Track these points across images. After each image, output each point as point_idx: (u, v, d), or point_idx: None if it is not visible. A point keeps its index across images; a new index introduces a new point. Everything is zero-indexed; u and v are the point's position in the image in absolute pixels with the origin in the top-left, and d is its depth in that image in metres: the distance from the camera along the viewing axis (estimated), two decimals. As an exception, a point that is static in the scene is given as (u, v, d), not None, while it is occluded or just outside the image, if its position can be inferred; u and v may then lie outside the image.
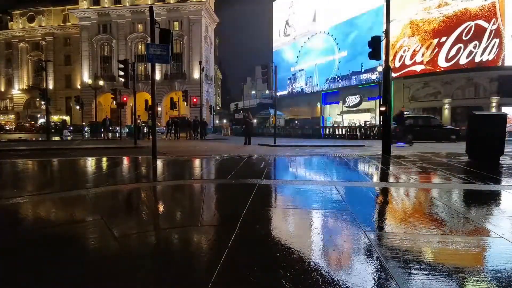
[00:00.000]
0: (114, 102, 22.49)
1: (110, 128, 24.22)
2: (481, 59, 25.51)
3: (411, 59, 29.22)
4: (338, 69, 36.65)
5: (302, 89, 42.49)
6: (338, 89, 36.13)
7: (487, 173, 5.34)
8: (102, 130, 23.98)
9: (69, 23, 50.06)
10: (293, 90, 44.32)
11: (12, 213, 3.20)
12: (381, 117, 9.04)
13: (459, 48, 26.36)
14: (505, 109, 23.57)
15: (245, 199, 3.50)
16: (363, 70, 33.17)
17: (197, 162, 7.61)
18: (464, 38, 26.14)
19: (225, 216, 3.09)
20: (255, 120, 37.50)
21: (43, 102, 22.14)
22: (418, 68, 28.82)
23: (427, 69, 28.25)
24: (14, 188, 4.44)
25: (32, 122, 41.92)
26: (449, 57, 26.98)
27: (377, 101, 27.21)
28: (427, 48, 28.21)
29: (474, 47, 25.73)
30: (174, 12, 45.14)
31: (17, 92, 51.88)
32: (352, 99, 34.19)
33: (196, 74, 42.35)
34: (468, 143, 7.25)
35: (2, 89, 53.35)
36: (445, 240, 2.33)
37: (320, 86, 39.17)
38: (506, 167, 6.11)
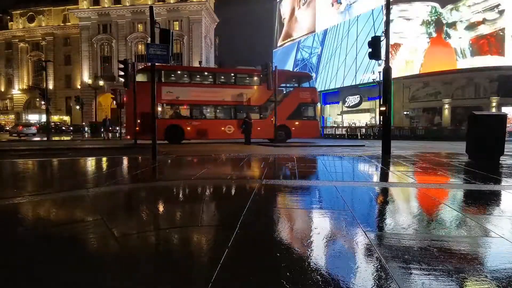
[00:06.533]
0: (114, 102, 22.49)
1: (110, 128, 24.20)
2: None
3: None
4: (338, 69, 36.61)
5: (302, 89, 42.44)
6: (338, 89, 36.12)
7: (487, 173, 5.34)
8: (102, 130, 23.97)
9: (69, 23, 49.99)
10: (293, 90, 44.25)
11: (12, 212, 3.20)
12: (381, 117, 9.04)
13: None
14: (505, 109, 23.57)
15: (245, 199, 3.50)
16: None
17: (197, 162, 7.61)
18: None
19: (225, 216, 3.09)
20: (255, 120, 37.37)
21: (43, 102, 22.16)
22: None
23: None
24: (15, 188, 4.44)
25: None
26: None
27: (377, 101, 27.18)
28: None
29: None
30: (174, 12, 45.11)
31: (17, 92, 51.84)
32: (352, 99, 34.19)
33: (196, 74, 42.30)
34: (468, 143, 7.25)
35: (2, 89, 53.29)
36: (445, 240, 2.33)
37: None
38: (506, 167, 6.11)
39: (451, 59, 27.66)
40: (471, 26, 26.99)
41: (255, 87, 17.30)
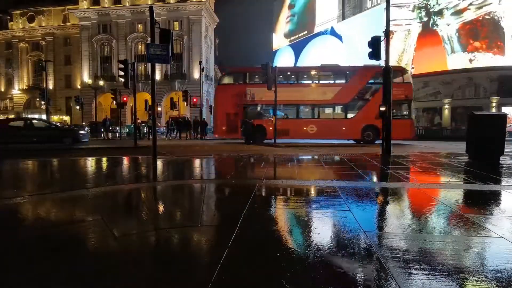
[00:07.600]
0: (114, 102, 22.48)
1: (110, 128, 24.18)
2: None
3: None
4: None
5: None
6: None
7: (487, 173, 5.34)
8: (102, 130, 23.96)
9: (69, 23, 49.94)
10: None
11: (13, 212, 3.20)
12: (381, 117, 9.04)
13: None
14: (505, 109, 23.59)
15: (245, 199, 3.50)
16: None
17: (197, 162, 7.60)
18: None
19: (225, 216, 3.09)
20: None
21: (43, 102, 22.15)
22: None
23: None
24: (15, 188, 4.44)
25: None
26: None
27: (377, 101, 27.17)
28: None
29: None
30: (174, 12, 45.08)
31: (17, 92, 51.81)
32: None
33: (196, 74, 42.31)
34: (468, 143, 7.25)
35: (2, 89, 53.25)
36: (445, 240, 2.33)
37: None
38: (506, 167, 6.11)
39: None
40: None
41: (340, 85, 16.70)
